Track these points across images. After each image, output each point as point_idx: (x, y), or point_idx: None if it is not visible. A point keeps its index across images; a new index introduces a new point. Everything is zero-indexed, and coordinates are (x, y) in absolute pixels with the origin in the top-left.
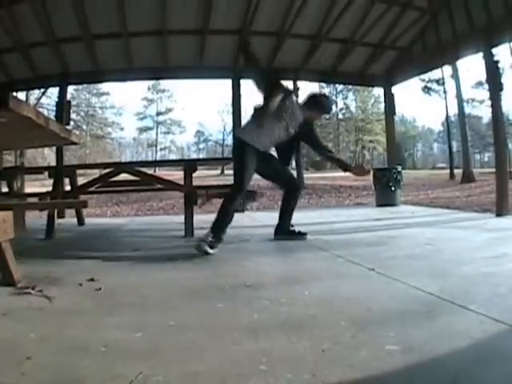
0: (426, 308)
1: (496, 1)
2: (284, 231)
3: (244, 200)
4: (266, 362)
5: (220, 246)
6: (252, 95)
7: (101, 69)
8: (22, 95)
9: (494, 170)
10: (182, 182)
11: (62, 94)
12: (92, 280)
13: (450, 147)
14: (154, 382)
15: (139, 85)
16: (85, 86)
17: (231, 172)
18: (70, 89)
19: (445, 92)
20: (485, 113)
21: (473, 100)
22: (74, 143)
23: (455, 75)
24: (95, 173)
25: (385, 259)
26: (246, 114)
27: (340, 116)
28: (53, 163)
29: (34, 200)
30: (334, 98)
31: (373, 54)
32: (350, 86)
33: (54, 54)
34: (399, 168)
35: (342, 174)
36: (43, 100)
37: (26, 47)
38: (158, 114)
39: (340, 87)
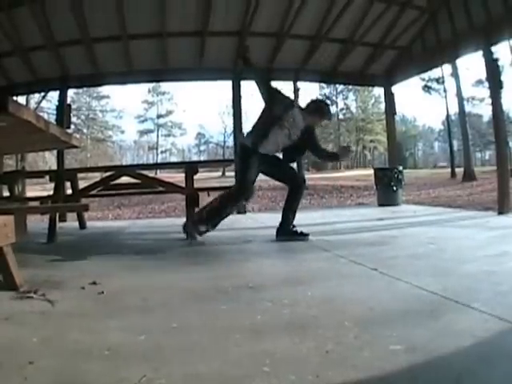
0: (429, 307)
1: (495, 0)
2: (286, 232)
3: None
4: (269, 364)
5: (223, 247)
6: (253, 96)
7: (101, 72)
8: (22, 99)
9: (495, 168)
10: (183, 185)
11: (62, 97)
12: (94, 283)
13: (451, 146)
14: None
15: (139, 87)
16: (85, 89)
17: (232, 174)
18: (70, 92)
19: (445, 91)
20: (485, 111)
21: (473, 98)
22: (75, 147)
23: (455, 74)
24: (96, 176)
25: (387, 259)
26: (247, 116)
27: (341, 116)
28: (54, 167)
29: (36, 204)
30: (334, 98)
31: (373, 53)
32: (350, 86)
33: (54, 57)
34: (400, 168)
35: (343, 174)
36: (43, 104)
37: (26, 51)
38: (159, 116)
39: (340, 87)
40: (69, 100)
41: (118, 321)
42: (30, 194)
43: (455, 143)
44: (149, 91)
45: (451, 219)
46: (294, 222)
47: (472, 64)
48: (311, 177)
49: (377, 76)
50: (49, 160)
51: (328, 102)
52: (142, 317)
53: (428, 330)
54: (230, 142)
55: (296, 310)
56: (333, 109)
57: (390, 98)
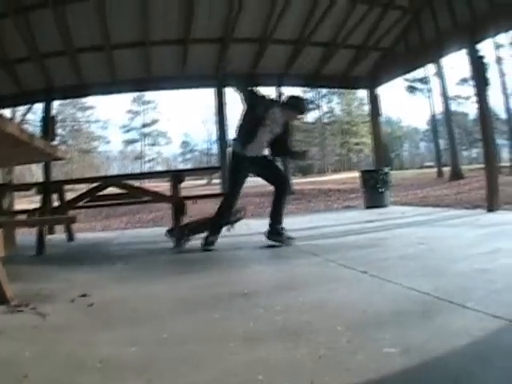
0: (421, 308)
1: None
2: (275, 233)
3: (233, 215)
4: (264, 371)
5: (212, 254)
6: (236, 103)
7: (85, 82)
8: (8, 112)
9: (482, 165)
10: (169, 193)
11: (47, 109)
12: (84, 296)
13: (437, 145)
14: None
15: (124, 97)
16: (70, 100)
17: (218, 181)
18: (56, 104)
19: (429, 91)
20: (471, 109)
21: (458, 97)
22: (60, 159)
23: (440, 73)
24: (83, 187)
25: (377, 261)
26: (231, 123)
27: (325, 120)
28: (41, 179)
29: (24, 217)
30: (318, 102)
31: (356, 56)
32: (334, 90)
33: (39, 69)
34: (386, 169)
35: (329, 177)
36: (29, 116)
37: (11, 63)
38: (144, 125)
39: (324, 91)
40: (54, 112)
41: (108, 333)
42: (18, 206)
43: (441, 142)
44: (133, 101)
45: (440, 219)
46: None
47: (456, 63)
48: (298, 181)
49: (360, 78)
50: (35, 172)
51: (304, 97)
52: (133, 328)
53: (422, 331)
54: (215, 149)
55: (288, 316)
56: (317, 113)
57: (374, 100)
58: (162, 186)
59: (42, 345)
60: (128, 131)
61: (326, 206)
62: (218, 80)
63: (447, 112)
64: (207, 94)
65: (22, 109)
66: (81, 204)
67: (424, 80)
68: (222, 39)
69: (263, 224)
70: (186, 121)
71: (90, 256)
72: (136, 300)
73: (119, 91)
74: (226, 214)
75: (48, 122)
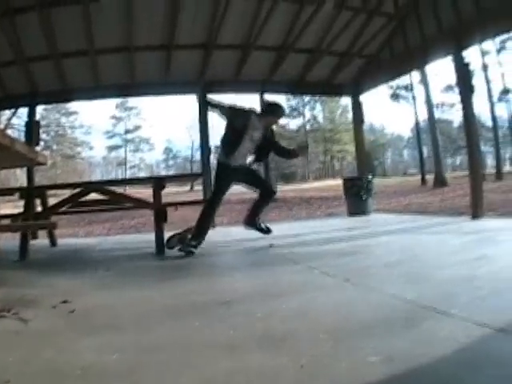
0: (405, 316)
1: (465, 3)
2: (253, 223)
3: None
4: (244, 380)
5: (194, 261)
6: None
7: (69, 88)
8: None
9: (466, 173)
10: (152, 200)
11: (32, 114)
12: (66, 302)
13: (421, 153)
14: None
15: (107, 103)
16: (54, 105)
17: (201, 188)
18: (40, 109)
19: (414, 98)
20: (455, 116)
21: (442, 104)
22: (42, 164)
23: (424, 80)
24: (66, 193)
25: (360, 269)
26: (214, 130)
27: (308, 127)
28: (25, 184)
29: (7, 222)
30: (301, 109)
31: (340, 62)
32: (317, 97)
33: (23, 73)
34: (369, 176)
35: (311, 185)
36: (14, 120)
37: None
38: (127, 131)
39: (307, 98)
40: (38, 116)
41: (90, 339)
42: (2, 211)
43: (425, 150)
44: (116, 106)
45: (424, 226)
46: (264, 236)
47: (441, 70)
48: (280, 189)
49: (344, 85)
50: (20, 177)
51: (279, 103)
52: (114, 335)
53: (406, 339)
54: (198, 156)
55: (270, 324)
56: (300, 120)
57: (357, 107)
58: (145, 193)
59: (24, 351)
60: (111, 137)
61: (308, 213)
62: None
63: (431, 119)
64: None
65: (7, 113)
66: (63, 209)
67: (408, 87)
68: (206, 45)
69: (244, 231)
70: (168, 127)
71: (72, 262)
72: (118, 307)
73: (103, 96)
74: (208, 220)
75: (32, 126)
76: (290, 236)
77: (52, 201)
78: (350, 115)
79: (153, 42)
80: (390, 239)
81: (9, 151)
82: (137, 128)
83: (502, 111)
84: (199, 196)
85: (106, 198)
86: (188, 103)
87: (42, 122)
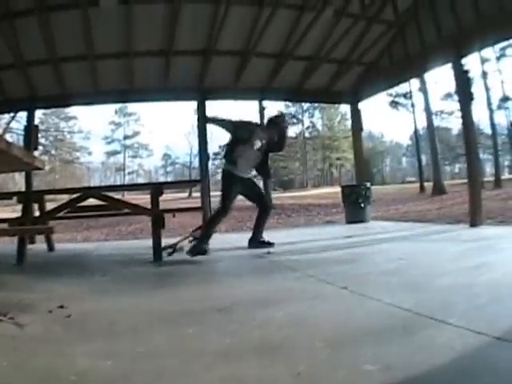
0: (403, 324)
1: (465, 11)
2: (256, 241)
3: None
4: None
5: (191, 268)
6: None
7: (68, 92)
8: None
9: (465, 180)
10: (149, 206)
11: (30, 118)
12: (62, 307)
13: (420, 160)
14: None
15: (106, 108)
16: (53, 110)
17: (199, 194)
18: (39, 113)
19: (413, 106)
20: (454, 124)
21: (441, 112)
22: (39, 168)
23: (423, 88)
24: (65, 198)
25: (357, 276)
26: (212, 136)
27: (307, 134)
28: (23, 188)
29: (4, 226)
30: (300, 116)
31: (339, 70)
32: (316, 104)
33: (22, 76)
34: (368, 184)
35: (310, 192)
36: (13, 124)
37: None
38: (126, 137)
39: (306, 105)
40: (37, 121)
41: (85, 345)
42: (0, 215)
43: (423, 157)
44: (115, 112)
45: (422, 234)
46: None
47: (440, 78)
48: (278, 196)
49: (343, 93)
50: (19, 181)
51: (281, 113)
52: (110, 341)
53: (403, 348)
54: (196, 162)
55: (266, 332)
56: (299, 127)
57: (356, 115)
58: (143, 199)
59: (19, 355)
60: (110, 143)
61: (307, 221)
62: (199, 94)
63: (430, 127)
64: (189, 107)
65: (6, 117)
66: (61, 214)
67: (407, 95)
68: (205, 51)
69: (243, 238)
70: (167, 133)
71: (69, 267)
72: (114, 313)
73: (102, 102)
74: (215, 226)
75: (31, 130)
76: (288, 243)
77: (50, 206)
78: (348, 123)
79: (152, 48)
80: (389, 247)
81: (5, 155)
82: (136, 134)
83: (501, 119)
84: (197, 202)
85: (104, 203)
86: (187, 110)
87: (41, 127)
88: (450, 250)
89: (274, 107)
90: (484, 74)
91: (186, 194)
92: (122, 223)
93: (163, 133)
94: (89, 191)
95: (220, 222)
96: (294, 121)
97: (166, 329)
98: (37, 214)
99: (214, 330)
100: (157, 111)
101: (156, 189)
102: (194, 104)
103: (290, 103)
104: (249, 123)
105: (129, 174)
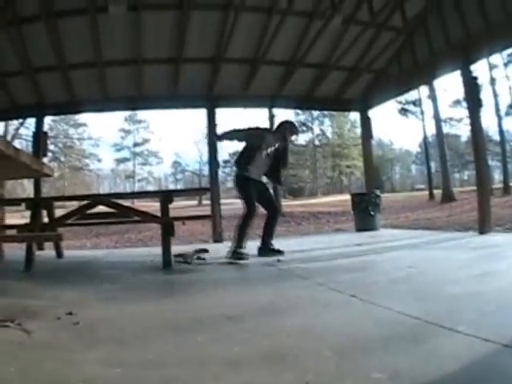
0: (412, 332)
1: (474, 18)
2: (266, 250)
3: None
4: None
5: (201, 275)
6: (227, 124)
7: (77, 99)
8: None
9: (474, 187)
10: (159, 214)
11: (39, 124)
12: (70, 314)
13: (429, 168)
14: None
15: (116, 115)
16: (62, 116)
17: (209, 202)
18: (48, 120)
19: (422, 113)
20: (463, 131)
21: (450, 119)
22: (47, 175)
23: (432, 95)
24: (74, 205)
25: (367, 285)
26: (222, 144)
27: (316, 142)
28: (32, 195)
29: (13, 232)
30: (309, 124)
31: (348, 77)
32: (326, 112)
33: (31, 83)
34: (377, 192)
35: (319, 200)
36: (22, 131)
37: (3, 76)
38: (135, 144)
39: (316, 113)
40: (46, 127)
41: (93, 352)
42: (9, 221)
43: (433, 165)
44: (125, 119)
45: (432, 241)
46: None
47: (449, 85)
48: (288, 204)
49: (353, 100)
50: (27, 187)
51: (291, 120)
52: (118, 348)
53: (412, 356)
54: (206, 170)
55: (275, 340)
56: (308, 135)
57: (366, 123)
58: (152, 207)
59: (26, 361)
60: (120, 150)
61: (317, 228)
62: (209, 101)
63: (439, 134)
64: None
65: (15, 123)
66: (70, 221)
67: (416, 102)
68: (214, 59)
69: (252, 245)
70: (177, 141)
71: (78, 274)
72: (122, 320)
73: (111, 109)
74: (245, 230)
75: (40, 137)
76: (298, 251)
77: (59, 212)
78: (358, 130)
79: (161, 55)
80: (398, 255)
81: (13, 162)
82: (145, 141)
83: (509, 125)
84: (207, 210)
85: (113, 211)
86: (197, 117)
87: (50, 133)
88: (459, 257)
89: (283, 115)
90: (492, 81)
91: (196, 202)
92: (132, 231)
93: (173, 140)
94: (98, 198)
95: (249, 226)
96: (304, 128)
97: (175, 337)
98: (46, 220)
99: (223, 338)
100: (166, 119)
101: (166, 196)
102: (203, 111)
103: (299, 111)
104: (259, 129)
105: (138, 181)
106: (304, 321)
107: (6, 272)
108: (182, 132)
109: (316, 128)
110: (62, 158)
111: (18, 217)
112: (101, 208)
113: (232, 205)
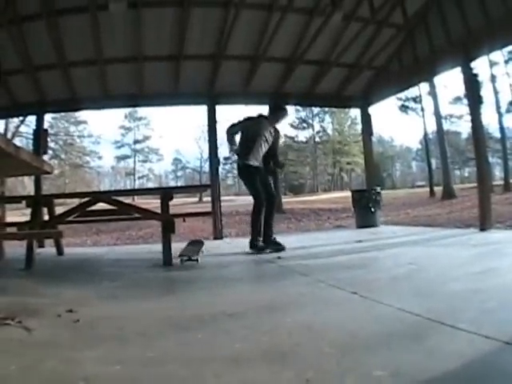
0: (412, 330)
1: (474, 14)
2: (269, 241)
3: (194, 249)
4: None
5: (201, 273)
6: (228, 121)
7: (78, 97)
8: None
9: (474, 184)
10: (159, 211)
11: (40, 122)
12: (71, 311)
13: (429, 164)
14: None
15: (116, 113)
16: (63, 114)
17: (209, 199)
18: (48, 117)
19: (422, 110)
20: (463, 128)
21: (451, 116)
22: (47, 172)
23: (433, 92)
24: (75, 202)
25: (367, 282)
26: (223, 141)
27: (317, 139)
28: (32, 192)
29: (13, 230)
30: (310, 121)
31: (349, 74)
32: (326, 109)
33: (31, 81)
34: (378, 189)
35: (320, 197)
36: (22, 128)
37: (4, 74)
38: (136, 142)
39: (316, 110)
40: (47, 125)
41: (93, 350)
42: (9, 219)
43: (433, 162)
44: (125, 116)
45: (432, 238)
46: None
47: (450, 82)
48: (289, 200)
49: (353, 97)
50: (28, 185)
51: (281, 101)
52: (118, 346)
53: (413, 354)
54: (207, 167)
55: (275, 338)
56: (309, 132)
57: (366, 119)
58: (153, 203)
59: (27, 359)
60: (120, 147)
61: (317, 225)
62: (209, 98)
63: (440, 131)
64: (199, 112)
65: (15, 121)
66: (70, 219)
67: (417, 99)
68: (214, 56)
69: (247, 242)
70: (178, 138)
71: (78, 271)
72: (123, 318)
73: (111, 106)
74: (259, 220)
75: (40, 134)
76: (299, 248)
77: (60, 210)
78: (359, 127)
79: (161, 52)
80: (399, 251)
81: (13, 159)
82: (146, 138)
83: (510, 122)
84: (208, 207)
85: (113, 208)
86: (198, 114)
87: (51, 131)
88: (459, 254)
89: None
90: (493, 78)
91: (197, 199)
92: (132, 228)
93: (173, 137)
94: (98, 195)
95: (262, 213)
96: (305, 125)
97: (175, 334)
98: (46, 218)
99: (223, 336)
100: (167, 116)
101: (166, 193)
102: (204, 108)
103: (300, 108)
104: (256, 117)
105: (139, 178)
106: (305, 318)
107: (7, 270)
108: (183, 129)
109: (316, 125)
110: (63, 156)
111: (18, 214)
112: (101, 205)
113: (232, 202)
